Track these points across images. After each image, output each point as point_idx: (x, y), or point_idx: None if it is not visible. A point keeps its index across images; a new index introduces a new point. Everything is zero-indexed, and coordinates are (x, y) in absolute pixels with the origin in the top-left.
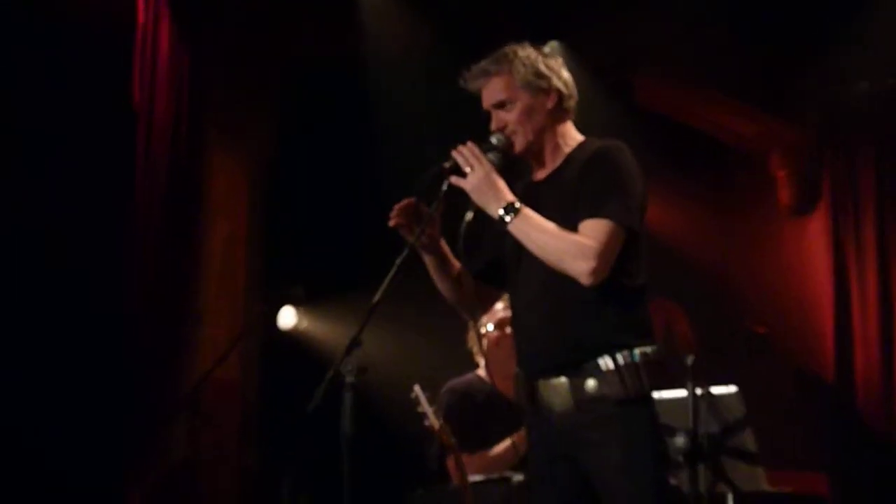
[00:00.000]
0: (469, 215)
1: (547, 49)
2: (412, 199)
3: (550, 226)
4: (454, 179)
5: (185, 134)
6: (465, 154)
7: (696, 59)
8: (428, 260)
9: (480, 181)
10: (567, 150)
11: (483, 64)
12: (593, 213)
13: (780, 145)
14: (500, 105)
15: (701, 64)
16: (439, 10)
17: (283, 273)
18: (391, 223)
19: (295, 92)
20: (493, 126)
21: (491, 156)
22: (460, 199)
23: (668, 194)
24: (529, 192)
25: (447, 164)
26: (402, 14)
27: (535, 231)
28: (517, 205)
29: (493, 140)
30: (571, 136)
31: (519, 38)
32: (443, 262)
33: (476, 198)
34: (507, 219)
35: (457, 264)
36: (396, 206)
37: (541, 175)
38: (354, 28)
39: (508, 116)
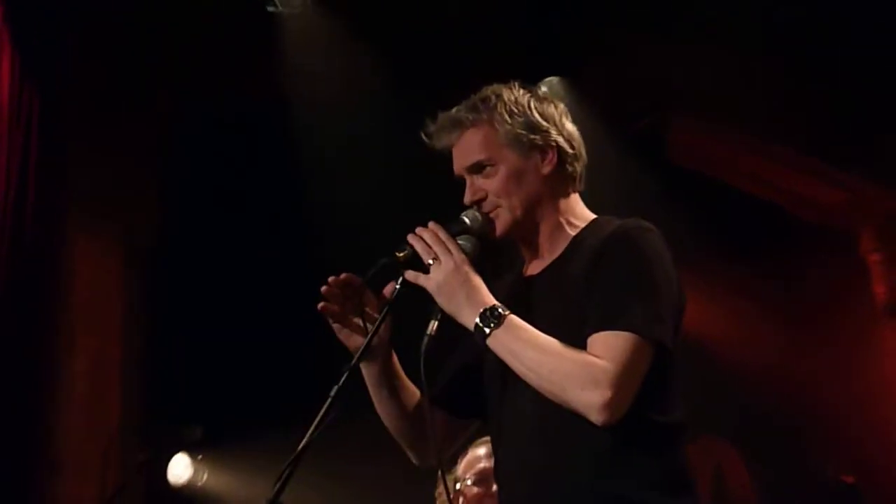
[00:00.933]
0: (433, 325)
1: (543, 90)
2: (352, 276)
3: (548, 341)
4: (411, 275)
5: (34, 212)
6: (427, 239)
7: (751, 100)
8: (368, 373)
9: (448, 277)
10: (572, 232)
11: (454, 112)
12: (608, 324)
13: (874, 219)
14: (478, 168)
15: (757, 107)
16: (393, 39)
17: (172, 408)
18: (320, 306)
19: (189, 151)
20: (467, 198)
21: (463, 242)
22: (421, 301)
23: (714, 288)
24: (518, 292)
25: (401, 254)
26: (340, 43)
27: (526, 348)
28: (500, 310)
29: (466, 219)
30: (578, 213)
31: (505, 77)
32: (389, 379)
33: (443, 301)
34: (487, 330)
35: (413, 390)
36: (332, 279)
37: (535, 268)
38: (274, 62)
39: (488, 184)
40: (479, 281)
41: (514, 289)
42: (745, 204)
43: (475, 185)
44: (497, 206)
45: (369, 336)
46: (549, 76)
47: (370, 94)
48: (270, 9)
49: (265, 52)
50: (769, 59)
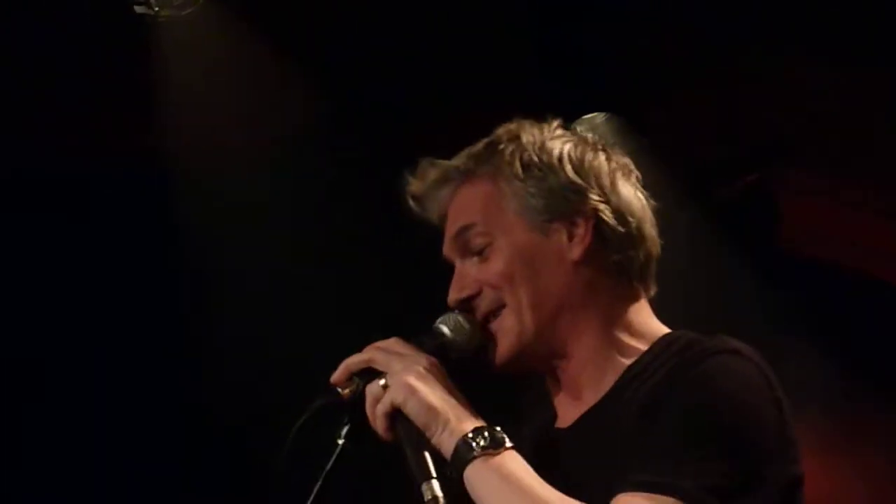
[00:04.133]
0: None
1: (583, 128)
2: None
3: (546, 492)
4: (379, 403)
5: None
6: (378, 357)
7: None
8: None
9: (413, 375)
10: (626, 360)
11: (443, 164)
12: (640, 485)
13: None
14: (467, 242)
15: None
16: (338, 55)
17: None
18: None
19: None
20: (452, 296)
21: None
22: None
23: (861, 454)
24: (539, 451)
25: (346, 390)
26: (254, 63)
27: (516, 494)
28: (500, 434)
29: (445, 329)
30: (637, 327)
31: (510, 116)
32: None
33: (416, 408)
34: (473, 452)
35: None
36: None
37: (567, 416)
38: (144, 93)
39: (484, 271)
40: (457, 396)
41: (533, 446)
42: None
43: (464, 274)
44: (498, 305)
45: None
46: (590, 112)
47: (298, 146)
48: (139, 9)
49: (129, 79)
50: None
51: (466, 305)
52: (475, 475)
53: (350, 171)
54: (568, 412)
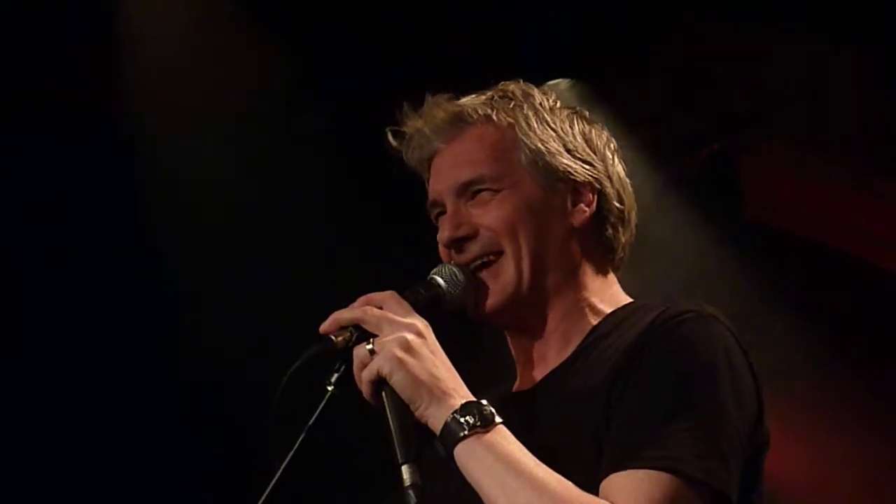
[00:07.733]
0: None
1: (552, 99)
2: None
3: (546, 475)
4: (362, 362)
5: None
6: (370, 313)
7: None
8: None
9: (405, 348)
10: (593, 321)
11: (454, 103)
12: (634, 459)
13: None
14: (470, 189)
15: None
16: (309, 21)
17: None
18: None
19: None
20: (445, 233)
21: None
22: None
23: (819, 413)
24: (507, 407)
25: (339, 338)
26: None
27: (512, 474)
28: (488, 409)
29: (440, 280)
30: (608, 295)
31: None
32: None
33: (403, 381)
34: (464, 431)
35: None
36: None
37: (531, 378)
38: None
39: (483, 215)
40: (445, 365)
41: (504, 404)
42: (872, 282)
43: (460, 214)
44: (491, 251)
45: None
46: (555, 78)
47: (262, 108)
48: None
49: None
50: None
51: (457, 246)
52: (467, 454)
53: (313, 132)
54: (531, 376)
